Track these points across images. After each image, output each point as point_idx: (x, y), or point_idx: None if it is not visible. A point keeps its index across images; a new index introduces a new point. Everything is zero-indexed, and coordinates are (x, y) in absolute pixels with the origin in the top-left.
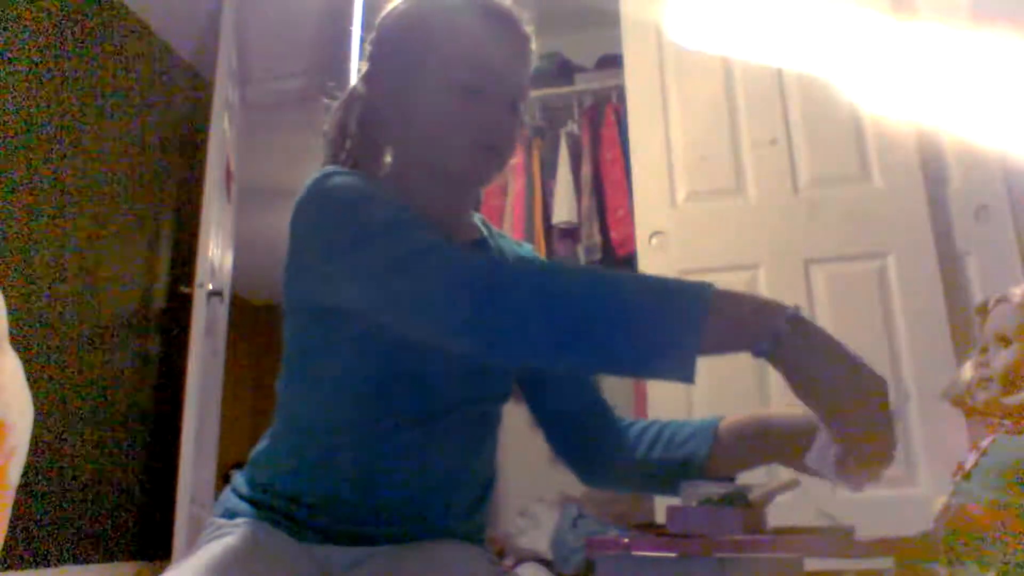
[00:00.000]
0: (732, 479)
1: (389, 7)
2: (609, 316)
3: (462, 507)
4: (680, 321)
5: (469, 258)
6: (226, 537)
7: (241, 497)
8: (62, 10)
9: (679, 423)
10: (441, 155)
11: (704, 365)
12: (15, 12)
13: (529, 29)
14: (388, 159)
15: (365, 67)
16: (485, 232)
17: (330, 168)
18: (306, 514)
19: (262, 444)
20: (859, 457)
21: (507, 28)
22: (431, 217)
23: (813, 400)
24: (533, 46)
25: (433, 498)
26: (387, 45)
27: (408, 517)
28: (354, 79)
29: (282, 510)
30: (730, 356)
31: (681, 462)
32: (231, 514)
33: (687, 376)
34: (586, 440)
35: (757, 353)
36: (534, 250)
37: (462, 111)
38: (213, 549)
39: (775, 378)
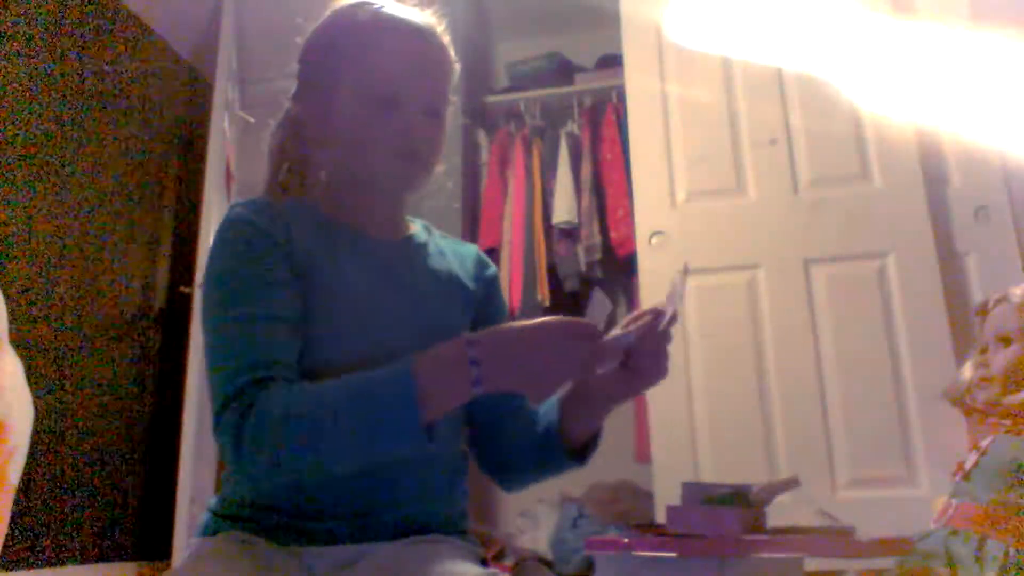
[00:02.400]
0: (596, 437)
1: (311, 28)
2: (344, 428)
3: (435, 491)
4: (399, 408)
5: (240, 401)
6: (210, 549)
7: (219, 515)
8: (62, 10)
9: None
10: (365, 165)
11: (705, 375)
12: (15, 12)
13: (445, 39)
14: (321, 171)
15: (293, 87)
16: (424, 235)
17: (236, 210)
18: (282, 518)
19: (229, 467)
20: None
21: (419, 39)
22: (356, 221)
23: (530, 399)
24: (451, 55)
25: (405, 484)
26: (309, 64)
27: (382, 505)
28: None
29: (259, 519)
30: (728, 364)
31: (543, 436)
32: (212, 531)
33: (423, 444)
34: (505, 446)
35: (477, 393)
36: (478, 251)
37: (380, 122)
38: (198, 560)
39: (775, 386)
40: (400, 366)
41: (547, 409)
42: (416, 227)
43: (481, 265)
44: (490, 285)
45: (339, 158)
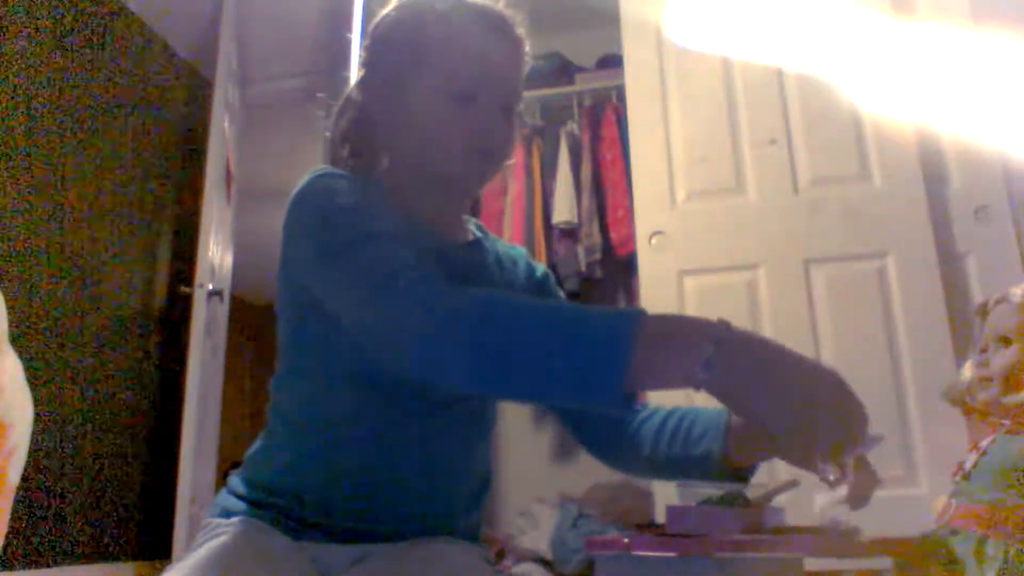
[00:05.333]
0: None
1: (383, 13)
2: (542, 347)
3: (461, 503)
4: (606, 349)
5: (429, 287)
6: (222, 538)
7: (238, 497)
8: (62, 10)
9: (691, 416)
10: (435, 161)
11: None
12: (15, 12)
13: (522, 32)
14: (385, 162)
15: (361, 73)
16: (480, 235)
17: (323, 168)
18: (304, 511)
19: (257, 444)
20: (831, 455)
21: (499, 33)
22: (425, 220)
23: (760, 420)
24: (527, 48)
25: (433, 493)
26: (381, 52)
27: (408, 513)
28: (353, 82)
29: (280, 508)
30: None
31: (697, 458)
32: (227, 514)
33: (619, 405)
34: (604, 429)
35: (696, 387)
36: (527, 254)
37: (455, 118)
38: (209, 550)
39: None
40: (628, 311)
41: (701, 429)
42: (472, 228)
43: (531, 268)
44: (542, 286)
45: (407, 150)
